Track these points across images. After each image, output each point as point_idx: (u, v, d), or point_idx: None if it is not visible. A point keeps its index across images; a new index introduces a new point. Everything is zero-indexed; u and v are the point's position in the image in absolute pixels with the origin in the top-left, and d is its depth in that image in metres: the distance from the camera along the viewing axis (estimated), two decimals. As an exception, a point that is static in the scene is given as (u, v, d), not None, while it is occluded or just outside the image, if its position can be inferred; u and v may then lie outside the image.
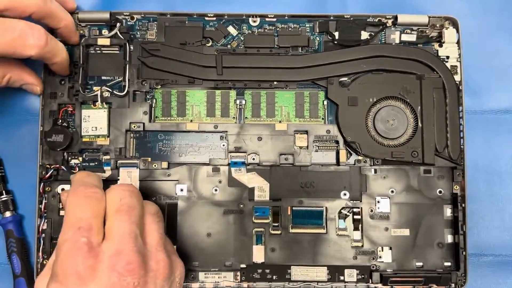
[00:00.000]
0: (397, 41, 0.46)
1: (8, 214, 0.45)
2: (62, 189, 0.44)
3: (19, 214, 0.46)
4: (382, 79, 0.45)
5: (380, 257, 0.44)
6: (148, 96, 0.45)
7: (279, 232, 0.44)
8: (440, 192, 0.45)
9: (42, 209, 0.44)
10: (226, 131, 0.45)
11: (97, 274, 0.32)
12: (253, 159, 0.45)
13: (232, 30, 0.46)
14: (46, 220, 0.44)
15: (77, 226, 0.33)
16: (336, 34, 0.46)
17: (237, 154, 0.45)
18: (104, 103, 0.44)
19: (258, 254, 0.44)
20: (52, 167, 0.44)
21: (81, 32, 0.45)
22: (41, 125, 0.44)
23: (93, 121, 0.44)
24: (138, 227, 0.35)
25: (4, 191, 0.45)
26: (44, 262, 0.43)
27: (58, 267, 0.33)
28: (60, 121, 0.44)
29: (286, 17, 0.46)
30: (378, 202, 0.45)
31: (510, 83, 0.48)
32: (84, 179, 0.38)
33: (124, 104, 0.45)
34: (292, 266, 0.44)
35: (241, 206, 0.44)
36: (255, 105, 0.46)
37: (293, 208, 0.44)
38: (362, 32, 0.46)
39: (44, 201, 0.44)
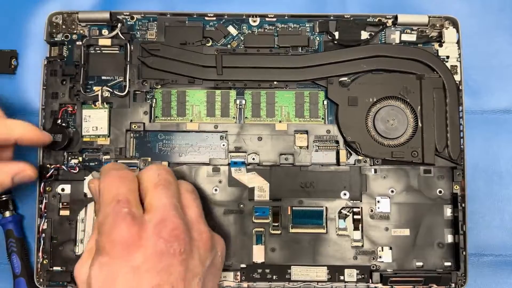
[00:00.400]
0: (397, 41, 0.46)
1: (8, 214, 0.45)
2: (62, 189, 0.44)
3: (19, 214, 0.46)
4: (382, 79, 0.45)
5: (380, 257, 0.44)
6: (148, 96, 0.45)
7: (279, 232, 0.44)
8: (440, 192, 0.45)
9: (42, 209, 0.44)
10: (226, 131, 0.45)
11: (143, 242, 0.32)
12: (253, 159, 0.45)
13: (232, 30, 0.46)
14: (46, 220, 0.44)
15: (116, 200, 0.34)
16: (336, 34, 0.46)
17: (237, 154, 0.45)
18: (104, 103, 0.45)
19: (258, 254, 0.44)
20: (52, 166, 0.44)
21: (81, 32, 0.46)
22: (41, 125, 0.44)
23: (94, 121, 0.44)
24: (177, 201, 0.35)
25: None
26: (45, 262, 0.43)
27: (104, 241, 0.33)
28: (60, 120, 0.44)
29: (286, 17, 0.46)
30: (378, 202, 0.45)
31: (510, 83, 0.48)
32: (114, 165, 0.39)
33: (124, 104, 0.45)
34: (292, 266, 0.44)
35: (241, 206, 0.44)
36: (255, 105, 0.46)
37: (293, 208, 0.44)
38: (362, 32, 0.46)
39: (44, 201, 0.44)
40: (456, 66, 0.45)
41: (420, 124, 0.44)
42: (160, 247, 0.32)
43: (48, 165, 0.44)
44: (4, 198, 0.45)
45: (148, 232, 0.33)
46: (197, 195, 0.39)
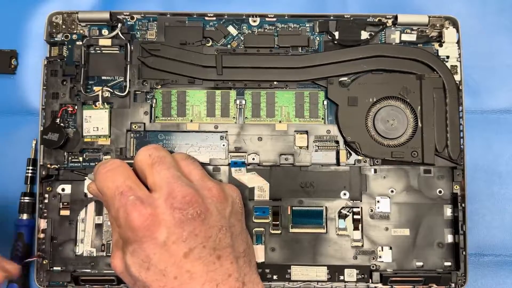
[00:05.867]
0: (397, 41, 0.46)
1: (25, 216, 0.45)
2: (62, 189, 0.44)
3: (34, 220, 0.45)
4: (382, 79, 0.45)
5: (380, 257, 0.44)
6: (148, 96, 0.45)
7: (279, 231, 0.44)
8: (440, 192, 0.45)
9: (43, 209, 0.44)
10: (226, 131, 0.45)
11: (160, 218, 0.33)
12: (253, 159, 0.45)
13: (232, 30, 0.46)
14: (46, 220, 0.44)
15: (119, 193, 0.34)
16: (336, 34, 0.46)
17: (237, 154, 0.45)
18: (105, 103, 0.45)
19: (258, 253, 0.44)
20: (52, 166, 0.44)
21: (81, 32, 0.46)
22: (41, 125, 0.44)
23: (95, 121, 0.44)
24: (177, 171, 0.36)
25: (29, 193, 0.45)
26: (44, 262, 0.43)
27: (126, 231, 0.34)
28: (59, 120, 0.44)
29: (286, 17, 0.46)
30: (378, 202, 0.45)
31: (510, 83, 0.48)
32: (102, 163, 0.39)
33: (125, 104, 0.45)
34: (292, 266, 0.44)
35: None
36: (255, 105, 0.46)
37: (293, 208, 0.44)
38: (362, 32, 0.46)
39: (44, 201, 0.44)
40: (456, 66, 0.45)
41: (420, 124, 0.44)
42: (178, 217, 0.33)
43: (48, 165, 0.44)
44: (27, 200, 0.45)
45: (162, 208, 0.34)
46: (193, 159, 0.40)
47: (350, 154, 0.45)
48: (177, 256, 0.33)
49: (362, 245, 0.44)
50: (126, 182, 0.35)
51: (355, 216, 0.44)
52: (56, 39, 0.45)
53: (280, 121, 0.45)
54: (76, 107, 0.45)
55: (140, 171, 0.37)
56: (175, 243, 0.33)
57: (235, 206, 0.38)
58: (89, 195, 0.44)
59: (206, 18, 0.46)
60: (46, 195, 0.44)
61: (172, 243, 0.33)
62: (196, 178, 0.37)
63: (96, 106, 0.45)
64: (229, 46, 0.46)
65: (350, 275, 0.44)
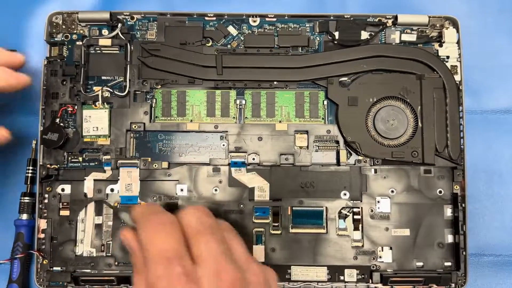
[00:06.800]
0: (397, 41, 0.46)
1: (25, 216, 0.44)
2: (62, 189, 0.44)
3: (34, 220, 0.45)
4: (382, 79, 0.45)
5: (380, 257, 0.44)
6: (148, 96, 0.45)
7: (279, 232, 0.44)
8: (440, 192, 0.45)
9: (43, 209, 0.44)
10: (226, 131, 0.45)
11: None
12: (253, 159, 0.45)
13: (232, 30, 0.46)
14: (46, 220, 0.44)
15: (166, 258, 0.31)
16: (336, 34, 0.46)
17: (237, 154, 0.45)
18: (105, 103, 0.45)
19: (258, 254, 0.44)
20: (52, 167, 0.44)
21: (81, 32, 0.46)
22: (41, 125, 0.44)
23: (94, 121, 0.44)
24: (224, 246, 0.33)
25: (29, 193, 0.45)
26: (44, 262, 0.43)
27: None
28: (58, 120, 0.44)
29: (286, 17, 0.46)
30: (378, 202, 0.45)
31: (510, 83, 0.48)
32: (151, 208, 0.35)
33: (125, 104, 0.45)
34: (292, 266, 0.44)
35: (241, 206, 0.44)
36: (255, 105, 0.46)
37: (293, 208, 0.44)
38: (362, 32, 0.46)
39: (44, 201, 0.44)
40: (456, 66, 0.45)
41: (420, 124, 0.44)
42: None
43: (48, 165, 0.44)
44: (26, 200, 0.45)
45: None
46: (236, 232, 0.36)
47: (350, 154, 0.45)
48: None
49: (362, 245, 0.44)
50: (176, 248, 0.31)
51: (355, 216, 0.44)
52: (56, 39, 0.45)
53: (280, 121, 0.45)
54: (76, 107, 0.45)
55: (186, 232, 0.33)
56: None
57: None
58: (89, 195, 0.44)
59: (206, 18, 0.46)
60: (46, 195, 0.44)
61: None
62: (242, 258, 0.33)
63: (96, 106, 0.45)
64: (229, 46, 0.46)
65: (350, 275, 0.44)
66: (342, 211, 0.45)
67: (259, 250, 0.44)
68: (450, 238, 0.44)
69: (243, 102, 0.46)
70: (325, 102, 0.46)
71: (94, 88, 0.45)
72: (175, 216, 0.33)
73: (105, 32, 0.46)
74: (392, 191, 0.45)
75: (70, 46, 0.45)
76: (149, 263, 0.31)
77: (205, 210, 0.34)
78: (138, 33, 0.46)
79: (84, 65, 0.45)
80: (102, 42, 0.45)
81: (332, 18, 0.46)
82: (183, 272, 0.30)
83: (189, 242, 0.32)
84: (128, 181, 0.44)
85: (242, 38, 0.46)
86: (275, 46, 0.46)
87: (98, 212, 0.44)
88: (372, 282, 0.44)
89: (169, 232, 0.32)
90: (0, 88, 0.39)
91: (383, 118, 0.45)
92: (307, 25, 0.46)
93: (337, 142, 0.45)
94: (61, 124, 0.44)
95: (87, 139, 0.44)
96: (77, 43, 0.45)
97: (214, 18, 0.46)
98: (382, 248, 0.44)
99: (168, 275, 0.30)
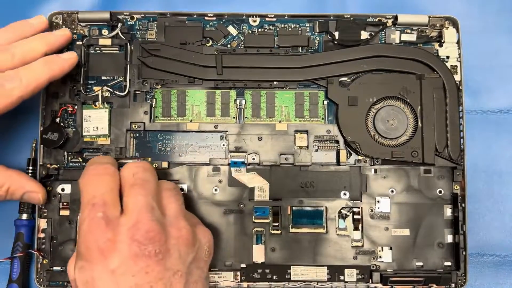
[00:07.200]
0: (397, 41, 0.46)
1: (24, 216, 0.44)
2: (62, 189, 0.44)
3: (34, 220, 0.45)
4: (382, 79, 0.45)
5: (380, 257, 0.44)
6: (148, 96, 0.45)
7: (279, 232, 0.44)
8: (440, 192, 0.45)
9: (43, 209, 0.44)
10: (226, 131, 0.45)
11: (117, 246, 0.33)
12: (253, 159, 0.45)
13: (232, 30, 0.46)
14: (46, 220, 0.44)
15: (92, 203, 0.34)
16: (336, 34, 0.46)
17: (237, 154, 0.45)
18: (105, 103, 0.45)
19: (258, 254, 0.44)
20: (52, 166, 0.44)
21: (82, 32, 0.46)
22: (41, 124, 0.44)
23: (94, 121, 0.44)
24: (154, 200, 0.35)
25: None
26: (44, 262, 0.43)
27: (81, 245, 0.34)
28: (59, 119, 0.44)
29: (286, 17, 0.46)
30: (378, 202, 0.45)
31: (510, 83, 0.48)
32: (95, 159, 0.39)
33: (125, 104, 0.45)
34: (292, 266, 0.44)
35: (241, 206, 0.44)
36: (255, 105, 0.46)
37: (293, 208, 0.44)
38: (362, 32, 0.46)
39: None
40: (456, 66, 0.45)
41: (420, 124, 0.44)
42: (135, 250, 0.33)
43: (48, 165, 0.44)
44: None
45: (122, 236, 0.33)
46: (177, 192, 0.39)
47: (350, 154, 0.45)
48: None
49: (362, 245, 0.44)
50: (104, 195, 0.34)
51: (355, 216, 0.44)
52: (56, 39, 0.45)
53: (280, 121, 0.45)
54: (76, 107, 0.45)
55: (122, 184, 0.36)
56: (123, 274, 0.32)
57: (200, 253, 0.37)
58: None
59: (206, 18, 0.46)
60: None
61: (120, 274, 0.32)
62: (170, 214, 0.36)
63: (96, 106, 0.45)
64: (229, 46, 0.46)
65: (350, 275, 0.44)
66: (342, 211, 0.45)
67: (259, 250, 0.44)
68: (450, 238, 0.44)
69: (243, 102, 0.46)
70: (325, 102, 0.46)
71: (94, 88, 0.45)
72: (116, 169, 0.37)
73: (105, 32, 0.46)
74: (392, 191, 0.45)
75: (70, 46, 0.45)
76: (81, 207, 0.35)
77: (145, 165, 0.38)
78: (138, 33, 0.46)
79: (84, 65, 0.45)
80: (102, 42, 0.45)
81: (332, 18, 0.46)
82: (103, 217, 0.33)
83: (123, 193, 0.36)
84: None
85: (242, 38, 0.46)
86: (275, 46, 0.46)
87: (98, 212, 0.44)
88: (372, 282, 0.44)
89: (101, 182, 0.35)
90: (55, 76, 0.40)
91: (383, 118, 0.45)
92: (307, 25, 0.46)
93: (337, 142, 0.45)
94: (61, 124, 0.44)
95: (87, 139, 0.44)
96: (77, 43, 0.45)
97: (214, 18, 0.46)
98: (382, 248, 0.44)
99: (90, 218, 0.33)
